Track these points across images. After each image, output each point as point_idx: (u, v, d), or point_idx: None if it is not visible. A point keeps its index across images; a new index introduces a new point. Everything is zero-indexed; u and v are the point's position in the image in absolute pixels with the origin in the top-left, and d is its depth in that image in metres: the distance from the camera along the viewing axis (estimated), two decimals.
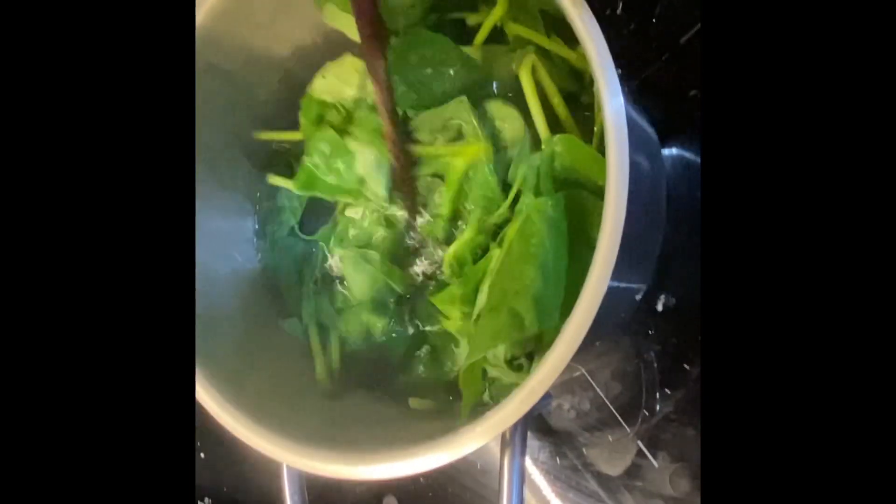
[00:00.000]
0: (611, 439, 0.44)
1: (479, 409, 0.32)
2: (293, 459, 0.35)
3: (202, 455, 0.58)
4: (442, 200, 0.39)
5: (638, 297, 0.42)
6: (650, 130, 0.42)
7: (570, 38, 0.33)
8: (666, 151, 0.44)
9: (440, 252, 0.41)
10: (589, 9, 0.30)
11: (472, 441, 0.31)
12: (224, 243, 0.44)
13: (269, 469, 0.55)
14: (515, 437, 0.32)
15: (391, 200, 0.41)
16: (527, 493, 0.47)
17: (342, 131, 0.41)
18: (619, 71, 0.30)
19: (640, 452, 0.43)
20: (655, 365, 0.43)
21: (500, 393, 0.36)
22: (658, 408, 0.43)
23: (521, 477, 0.32)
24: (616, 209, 0.29)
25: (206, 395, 0.36)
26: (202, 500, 0.59)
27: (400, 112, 0.39)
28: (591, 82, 0.31)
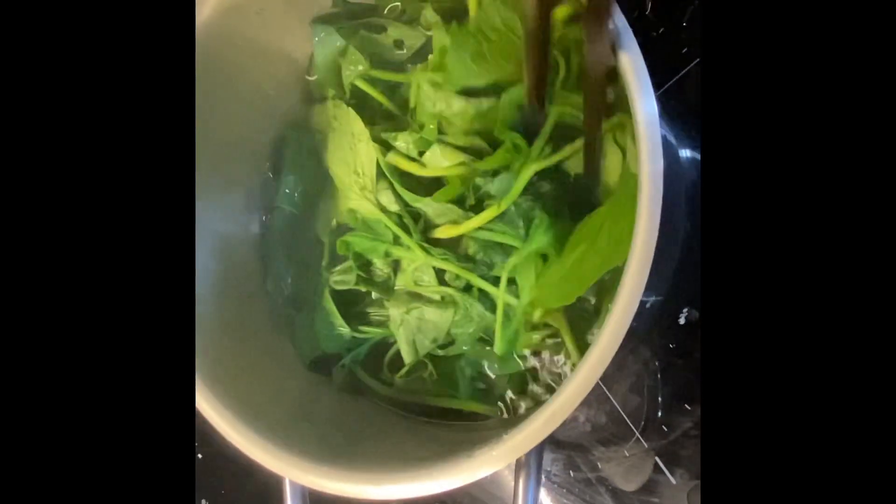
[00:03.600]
0: (627, 454, 0.42)
1: (496, 431, 0.30)
2: (297, 475, 0.33)
3: (199, 456, 0.57)
4: None
5: (647, 305, 0.40)
6: (668, 136, 0.40)
7: None
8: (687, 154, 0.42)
9: None
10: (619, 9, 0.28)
11: (488, 465, 0.29)
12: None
13: (270, 473, 0.54)
14: (531, 461, 0.31)
15: None
16: None
17: None
18: None
19: (657, 468, 0.42)
20: (675, 379, 0.41)
21: None
22: (677, 423, 0.41)
23: (535, 502, 0.31)
24: (649, 222, 0.27)
25: (207, 405, 0.35)
26: (199, 502, 0.57)
27: None
28: None
